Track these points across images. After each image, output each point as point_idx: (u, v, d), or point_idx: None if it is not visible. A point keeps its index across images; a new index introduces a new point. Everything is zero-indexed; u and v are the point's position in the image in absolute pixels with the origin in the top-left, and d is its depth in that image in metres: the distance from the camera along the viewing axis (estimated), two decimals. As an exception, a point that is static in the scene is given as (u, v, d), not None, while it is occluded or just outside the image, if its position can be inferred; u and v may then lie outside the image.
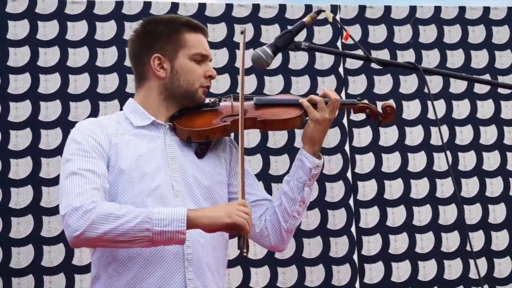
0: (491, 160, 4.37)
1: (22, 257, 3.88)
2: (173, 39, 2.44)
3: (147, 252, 2.29)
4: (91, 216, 2.18)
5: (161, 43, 2.44)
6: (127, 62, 4.09)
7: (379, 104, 2.66)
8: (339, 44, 4.32)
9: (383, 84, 4.35)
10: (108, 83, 4.10)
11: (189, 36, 2.45)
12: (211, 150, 2.47)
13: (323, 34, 4.32)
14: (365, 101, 2.62)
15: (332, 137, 4.20)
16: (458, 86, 4.41)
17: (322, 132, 2.47)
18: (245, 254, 2.23)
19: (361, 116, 4.22)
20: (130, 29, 4.13)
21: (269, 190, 4.01)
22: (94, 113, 4.04)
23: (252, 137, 4.14)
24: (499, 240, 4.30)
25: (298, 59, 4.29)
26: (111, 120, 2.43)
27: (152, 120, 2.42)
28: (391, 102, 4.21)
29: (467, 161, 4.35)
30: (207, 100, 2.49)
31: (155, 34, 2.45)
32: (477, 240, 4.27)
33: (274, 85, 4.22)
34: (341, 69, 4.31)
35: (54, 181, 3.95)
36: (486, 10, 4.51)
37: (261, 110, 2.50)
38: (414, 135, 4.33)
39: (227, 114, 2.47)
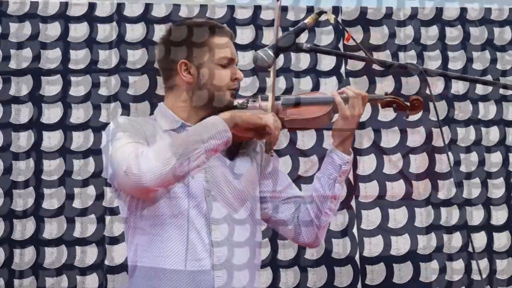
0: (494, 161, 4.36)
1: (24, 258, 3.89)
2: (198, 44, 2.44)
3: (177, 245, 2.32)
4: (149, 155, 2.22)
5: (187, 49, 2.44)
6: (129, 64, 4.10)
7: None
8: (340, 45, 4.32)
9: (384, 85, 4.34)
10: (109, 85, 4.09)
11: (214, 40, 2.45)
12: (243, 150, 2.49)
13: (324, 36, 4.32)
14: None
15: (334, 139, 4.20)
16: (459, 87, 4.40)
17: (351, 128, 2.49)
18: (271, 156, 2.47)
19: (365, 114, 4.27)
20: (132, 31, 4.13)
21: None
22: (96, 115, 4.03)
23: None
24: (501, 241, 4.30)
25: (300, 61, 4.28)
26: (144, 122, 2.45)
27: (181, 123, 2.43)
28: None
29: (469, 162, 4.34)
30: (235, 102, 2.50)
31: (181, 39, 2.45)
32: (479, 241, 4.27)
33: (276, 86, 4.21)
34: (342, 70, 4.31)
35: (56, 183, 3.96)
36: (488, 11, 4.50)
37: (288, 110, 2.52)
38: (416, 137, 4.32)
39: None
